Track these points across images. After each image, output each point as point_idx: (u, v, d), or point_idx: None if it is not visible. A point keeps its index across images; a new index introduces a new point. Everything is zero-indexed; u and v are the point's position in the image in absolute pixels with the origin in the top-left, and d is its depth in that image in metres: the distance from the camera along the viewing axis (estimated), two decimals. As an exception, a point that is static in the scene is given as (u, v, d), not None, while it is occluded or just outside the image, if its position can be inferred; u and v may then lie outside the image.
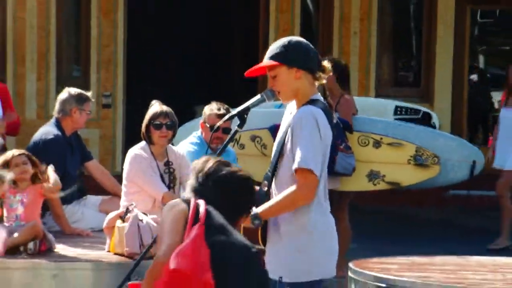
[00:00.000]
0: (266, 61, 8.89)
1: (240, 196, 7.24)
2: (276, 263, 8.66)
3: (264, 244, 8.87)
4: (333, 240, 8.92)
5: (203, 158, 7.29)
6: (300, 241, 8.68)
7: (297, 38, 9.49)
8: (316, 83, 8.94)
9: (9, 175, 12.50)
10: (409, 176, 16.77)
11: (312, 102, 8.78)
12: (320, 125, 8.63)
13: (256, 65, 8.87)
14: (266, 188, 8.82)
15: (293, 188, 8.50)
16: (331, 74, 9.07)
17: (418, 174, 16.39)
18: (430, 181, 17.10)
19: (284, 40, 9.16)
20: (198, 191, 7.15)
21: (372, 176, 16.29)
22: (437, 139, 17.58)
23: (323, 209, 8.90)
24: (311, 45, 9.17)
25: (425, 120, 18.91)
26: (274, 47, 8.96)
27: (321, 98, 9.11)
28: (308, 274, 8.77)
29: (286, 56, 8.76)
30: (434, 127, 19.14)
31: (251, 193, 7.39)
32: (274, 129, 15.21)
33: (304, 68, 8.72)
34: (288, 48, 8.91)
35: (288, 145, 8.67)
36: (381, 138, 15.40)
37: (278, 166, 8.83)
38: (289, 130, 8.70)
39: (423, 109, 19.33)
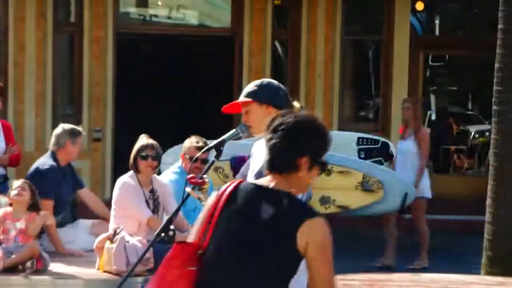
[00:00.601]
0: (241, 98, 9.20)
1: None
2: None
3: None
4: None
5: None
6: None
7: (269, 79, 9.79)
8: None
9: (3, 200, 12.80)
10: (357, 200, 17.01)
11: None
12: None
13: (232, 102, 9.15)
14: None
15: None
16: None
17: (364, 198, 16.29)
18: (372, 208, 17.61)
19: (257, 81, 9.49)
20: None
21: (324, 200, 16.45)
22: (378, 172, 17.90)
23: None
24: (281, 86, 9.43)
25: (384, 148, 19.10)
26: (248, 86, 9.28)
27: None
28: None
29: (257, 94, 9.07)
30: (392, 155, 19.49)
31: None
32: (234, 161, 16.16)
33: (273, 104, 8.95)
34: (260, 87, 9.23)
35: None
36: (332, 167, 15.62)
37: None
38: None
39: (382, 139, 19.42)
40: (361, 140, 19.09)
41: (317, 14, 23.25)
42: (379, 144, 19.36)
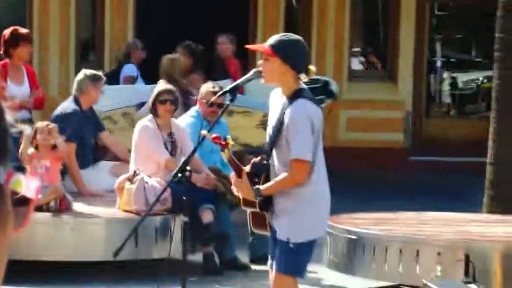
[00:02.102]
0: (267, 47, 9.17)
1: None
2: (284, 228, 9.01)
3: (266, 210, 9.08)
4: (323, 208, 9.27)
5: None
6: (302, 209, 9.01)
7: (298, 38, 9.75)
8: (302, 78, 9.13)
9: (28, 130, 12.70)
10: (258, 138, 16.15)
11: (299, 92, 9.04)
12: (314, 121, 9.01)
13: (260, 46, 9.22)
14: (265, 162, 9.09)
15: (289, 173, 8.90)
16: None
17: (264, 136, 16.39)
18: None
19: (286, 37, 9.56)
20: None
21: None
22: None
23: (318, 184, 9.16)
24: (305, 47, 9.71)
25: (325, 86, 19.28)
26: (276, 38, 9.31)
27: (305, 86, 9.30)
28: (307, 234, 9.09)
29: (280, 50, 9.04)
30: (333, 92, 19.40)
31: None
32: (140, 106, 16.50)
33: (291, 65, 9.00)
34: (286, 44, 9.24)
35: (285, 134, 8.90)
36: (234, 108, 15.58)
37: (277, 148, 9.02)
38: (287, 119, 8.90)
39: (323, 78, 19.23)
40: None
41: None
42: (321, 83, 19.13)
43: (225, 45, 19.76)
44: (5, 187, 1.48)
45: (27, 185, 1.57)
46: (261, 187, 8.97)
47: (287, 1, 23.33)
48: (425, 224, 12.73)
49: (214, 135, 9.09)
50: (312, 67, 9.42)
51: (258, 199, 9.02)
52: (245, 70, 13.74)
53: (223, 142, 8.93)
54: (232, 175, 9.33)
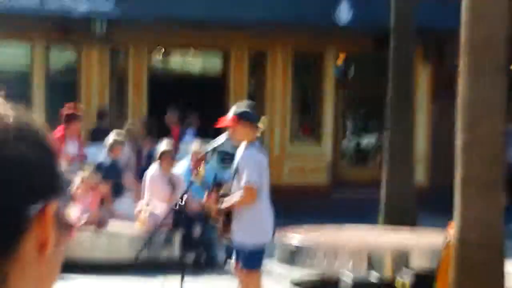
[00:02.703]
0: (231, 116, 9.13)
1: None
2: (241, 234, 9.04)
3: (229, 223, 9.14)
4: (268, 220, 9.27)
5: None
6: (252, 222, 8.99)
7: (248, 103, 9.90)
8: (256, 134, 9.20)
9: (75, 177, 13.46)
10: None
11: (252, 144, 9.07)
12: (261, 162, 9.16)
13: (225, 120, 9.30)
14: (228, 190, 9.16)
15: (241, 195, 8.92)
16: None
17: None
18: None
19: (244, 104, 9.61)
20: None
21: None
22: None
23: (264, 204, 9.15)
24: (255, 107, 9.82)
25: None
26: (238, 107, 9.42)
27: (257, 142, 9.31)
28: (258, 240, 9.05)
29: (243, 116, 9.07)
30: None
31: None
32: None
33: (251, 123, 9.09)
34: (244, 112, 9.20)
35: (240, 170, 8.96)
36: None
37: (236, 178, 9.02)
38: (241, 161, 9.01)
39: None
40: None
41: (275, 70, 23.03)
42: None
43: (171, 118, 19.28)
44: (62, 213, 1.45)
45: (73, 214, 1.54)
46: (223, 204, 9.13)
47: (249, 88, 23.08)
48: (343, 234, 12.74)
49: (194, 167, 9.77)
50: (263, 123, 9.65)
51: (221, 210, 9.18)
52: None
53: (197, 170, 9.36)
54: (205, 196, 9.55)
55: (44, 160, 1.46)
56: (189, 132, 19.52)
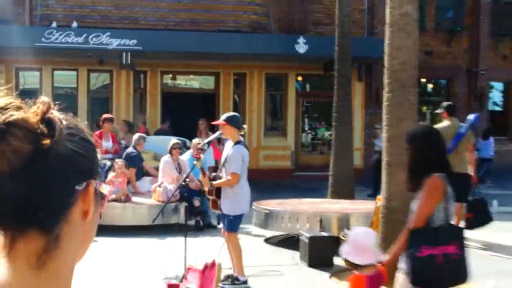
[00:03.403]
0: (222, 120, 9.08)
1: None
2: (226, 207, 8.95)
3: (218, 198, 9.04)
4: (246, 197, 9.14)
5: None
6: (234, 197, 8.93)
7: (234, 113, 9.90)
8: (240, 133, 9.15)
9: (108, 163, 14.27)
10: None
11: (238, 142, 9.04)
12: (244, 155, 9.00)
13: (218, 121, 9.33)
14: (219, 175, 9.10)
15: (229, 177, 8.85)
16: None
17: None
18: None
19: (229, 113, 9.65)
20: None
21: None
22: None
23: (243, 185, 9.06)
24: (239, 116, 9.58)
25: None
26: (227, 114, 9.34)
27: (241, 138, 9.28)
28: (238, 211, 9.01)
29: (228, 120, 8.98)
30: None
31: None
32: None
33: (236, 127, 9.00)
34: (233, 118, 9.15)
35: (228, 161, 8.93)
36: None
37: (225, 167, 8.98)
38: (229, 154, 8.96)
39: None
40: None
41: (253, 87, 23.02)
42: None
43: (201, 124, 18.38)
44: (98, 190, 1.43)
45: (106, 190, 1.55)
46: (214, 182, 9.01)
47: (233, 100, 23.01)
48: (302, 204, 12.68)
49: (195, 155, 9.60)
50: (245, 126, 9.63)
51: (212, 189, 9.08)
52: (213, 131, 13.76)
53: (198, 157, 9.10)
54: (201, 174, 9.47)
55: (87, 151, 1.47)
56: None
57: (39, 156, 1.39)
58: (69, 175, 1.42)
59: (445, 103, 13.87)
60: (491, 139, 22.47)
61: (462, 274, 5.29)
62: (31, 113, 1.41)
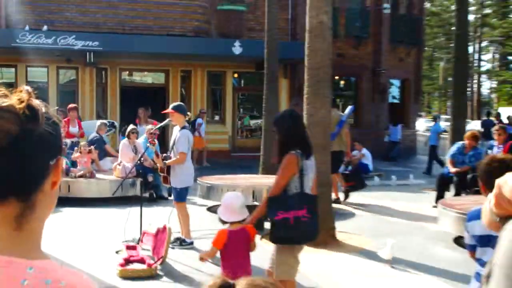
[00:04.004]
0: (170, 109, 8.96)
1: None
2: (174, 181, 8.85)
3: (168, 174, 8.92)
4: (191, 173, 9.09)
5: None
6: (181, 173, 8.86)
7: (180, 103, 9.80)
8: (185, 119, 9.02)
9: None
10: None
11: (184, 127, 8.94)
12: (189, 138, 8.91)
13: (168, 110, 9.12)
14: (169, 155, 8.93)
15: (177, 157, 8.76)
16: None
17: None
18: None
19: (177, 103, 9.51)
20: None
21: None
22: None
23: (189, 163, 9.01)
24: (185, 105, 9.46)
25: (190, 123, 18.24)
26: (175, 104, 9.22)
27: (187, 125, 9.22)
28: (185, 184, 8.96)
29: (178, 109, 8.87)
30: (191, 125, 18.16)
31: None
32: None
33: (182, 114, 8.89)
34: (179, 106, 9.06)
35: (176, 143, 8.80)
36: None
37: (173, 149, 8.87)
38: (177, 137, 8.84)
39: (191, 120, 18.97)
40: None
41: (197, 82, 22.95)
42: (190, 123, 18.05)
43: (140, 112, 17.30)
44: (61, 164, 1.46)
45: (64, 164, 1.61)
46: (166, 162, 8.86)
47: (181, 93, 22.85)
48: (238, 179, 12.68)
49: (149, 140, 9.67)
50: (188, 113, 9.34)
51: (164, 167, 8.95)
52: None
53: (153, 142, 9.16)
54: (154, 156, 9.49)
55: (57, 132, 1.47)
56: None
57: (24, 136, 1.38)
58: (46, 152, 1.42)
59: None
60: (399, 126, 23.08)
61: (311, 233, 5.45)
62: (16, 100, 1.39)
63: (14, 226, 1.39)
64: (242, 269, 5.18)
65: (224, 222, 5.45)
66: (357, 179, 14.14)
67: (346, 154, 13.59)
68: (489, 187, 2.99)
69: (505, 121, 24.24)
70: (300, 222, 5.22)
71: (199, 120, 19.60)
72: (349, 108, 14.94)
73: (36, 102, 1.43)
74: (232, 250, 5.30)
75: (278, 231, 5.33)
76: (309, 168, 5.51)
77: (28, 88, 1.45)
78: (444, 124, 29.88)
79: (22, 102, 1.41)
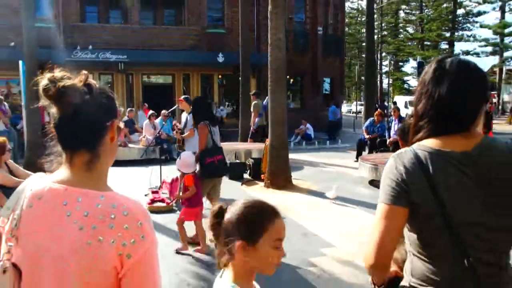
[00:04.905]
0: (181, 98, 8.28)
1: None
2: (186, 147, 8.06)
3: (183, 144, 8.25)
4: (196, 142, 8.56)
5: None
6: (190, 142, 8.06)
7: (187, 95, 9.23)
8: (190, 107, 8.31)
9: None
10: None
11: (190, 112, 8.18)
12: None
13: (179, 99, 8.45)
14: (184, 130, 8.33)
15: (188, 132, 8.02)
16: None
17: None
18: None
19: (186, 95, 8.86)
20: None
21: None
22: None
23: (195, 135, 8.24)
24: (189, 97, 8.74)
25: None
26: (184, 96, 8.54)
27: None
28: (192, 149, 8.28)
29: (186, 99, 8.15)
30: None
31: None
32: None
33: (188, 103, 8.15)
34: (186, 98, 8.35)
35: (188, 123, 8.07)
36: None
37: (186, 127, 8.20)
38: (187, 119, 8.13)
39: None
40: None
41: (194, 82, 22.56)
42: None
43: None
44: (115, 125, 1.42)
45: (122, 125, 1.53)
46: (182, 135, 8.16)
47: (183, 90, 22.40)
48: (224, 145, 12.46)
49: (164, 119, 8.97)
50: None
51: (181, 139, 8.29)
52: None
53: (164, 121, 8.69)
54: (174, 132, 8.88)
55: (111, 102, 1.41)
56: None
57: (84, 105, 1.35)
58: (102, 116, 1.38)
59: (253, 91, 15.39)
60: (333, 107, 22.51)
61: (225, 169, 6.02)
62: (78, 80, 1.40)
63: (85, 169, 1.36)
64: (201, 202, 5.42)
65: (183, 173, 5.35)
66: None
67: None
68: (405, 141, 2.97)
69: (402, 105, 24.58)
70: (220, 162, 5.71)
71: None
72: (267, 98, 14.11)
73: (92, 81, 1.41)
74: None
75: (206, 170, 5.65)
76: (216, 132, 5.87)
77: (86, 72, 1.43)
78: (359, 107, 30.07)
79: (81, 81, 1.39)
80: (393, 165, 1.49)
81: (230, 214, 1.46)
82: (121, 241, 1.21)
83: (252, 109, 14.67)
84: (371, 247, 1.42)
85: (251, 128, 14.46)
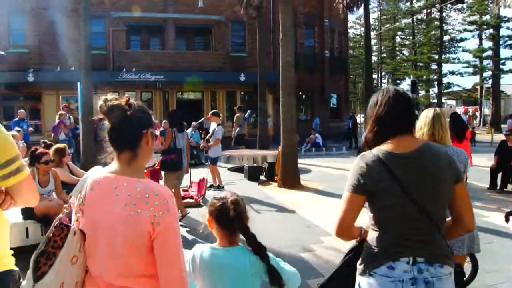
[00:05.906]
0: (210, 114, 8.54)
1: None
2: (211, 153, 8.38)
3: (208, 149, 8.45)
4: (220, 149, 8.60)
5: None
6: (216, 149, 8.47)
7: (215, 110, 9.26)
8: (219, 121, 8.47)
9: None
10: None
11: (219, 124, 8.46)
12: (222, 130, 8.47)
13: (208, 115, 8.68)
14: (210, 139, 8.48)
15: (214, 142, 8.32)
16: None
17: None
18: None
19: (214, 110, 8.97)
20: None
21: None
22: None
23: (219, 144, 8.48)
24: (219, 112, 8.94)
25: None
26: (212, 111, 8.76)
27: (220, 123, 8.64)
28: (216, 155, 8.58)
29: (214, 114, 8.45)
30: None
31: None
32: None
33: (217, 117, 8.46)
34: (214, 112, 8.64)
35: (215, 134, 8.30)
36: None
37: (212, 136, 8.39)
38: (215, 130, 8.33)
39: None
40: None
41: (220, 98, 22.50)
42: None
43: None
44: (150, 133, 1.58)
45: (157, 133, 1.64)
46: (209, 144, 8.43)
47: (212, 105, 22.16)
48: (244, 152, 12.11)
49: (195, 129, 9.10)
50: (221, 116, 8.93)
51: (207, 146, 8.59)
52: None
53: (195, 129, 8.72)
54: (202, 141, 9.09)
55: (147, 116, 1.53)
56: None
57: (127, 118, 1.49)
58: (139, 126, 1.54)
59: (237, 106, 14.87)
60: (347, 117, 21.57)
61: (180, 166, 6.10)
62: (122, 101, 1.53)
63: (128, 163, 1.53)
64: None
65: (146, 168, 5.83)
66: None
67: (246, 134, 13.61)
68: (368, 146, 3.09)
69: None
70: (173, 160, 5.99)
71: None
72: (248, 112, 13.55)
73: (132, 101, 1.56)
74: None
75: (164, 164, 6.05)
76: (180, 137, 6.20)
77: (128, 95, 1.59)
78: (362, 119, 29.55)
79: (124, 101, 1.53)
80: (358, 163, 1.72)
81: None
82: (153, 213, 1.38)
83: (234, 120, 13.77)
84: (336, 222, 1.71)
85: (232, 136, 13.68)
